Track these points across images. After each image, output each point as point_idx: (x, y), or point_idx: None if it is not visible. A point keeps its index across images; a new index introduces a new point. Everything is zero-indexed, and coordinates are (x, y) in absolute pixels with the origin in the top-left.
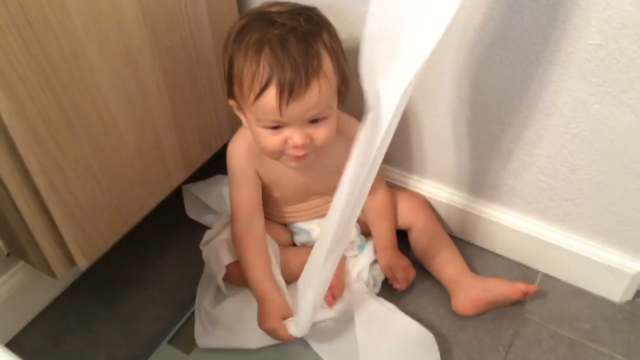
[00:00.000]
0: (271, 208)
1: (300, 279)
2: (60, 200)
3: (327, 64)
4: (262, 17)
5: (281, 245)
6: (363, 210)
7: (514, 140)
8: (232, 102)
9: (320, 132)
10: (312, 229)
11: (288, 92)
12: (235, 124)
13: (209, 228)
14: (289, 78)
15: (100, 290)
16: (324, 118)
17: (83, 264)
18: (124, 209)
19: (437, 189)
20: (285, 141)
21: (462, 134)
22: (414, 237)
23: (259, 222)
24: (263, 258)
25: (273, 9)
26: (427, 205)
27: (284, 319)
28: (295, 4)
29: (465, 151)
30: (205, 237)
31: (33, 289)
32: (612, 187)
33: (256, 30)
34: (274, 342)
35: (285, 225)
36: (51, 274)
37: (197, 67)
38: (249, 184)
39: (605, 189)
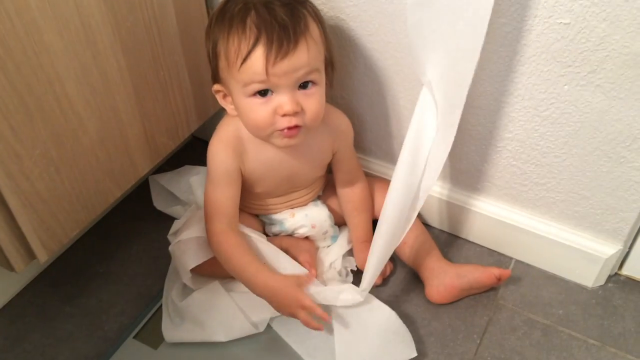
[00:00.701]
0: (248, 202)
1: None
2: (17, 189)
3: (314, 28)
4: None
5: None
6: (339, 201)
7: (485, 124)
8: (217, 87)
9: (311, 102)
10: (284, 218)
11: (276, 49)
12: (204, 113)
13: (177, 219)
14: (276, 35)
15: (64, 285)
16: (314, 85)
17: (43, 256)
18: (86, 198)
19: None
20: (275, 112)
21: None
22: None
23: (236, 220)
24: (249, 251)
25: None
26: None
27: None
28: None
29: None
30: (173, 228)
31: None
32: (582, 170)
33: (240, 2)
34: (243, 334)
35: (257, 215)
36: (9, 267)
37: (161, 51)
38: (231, 184)
39: (576, 172)
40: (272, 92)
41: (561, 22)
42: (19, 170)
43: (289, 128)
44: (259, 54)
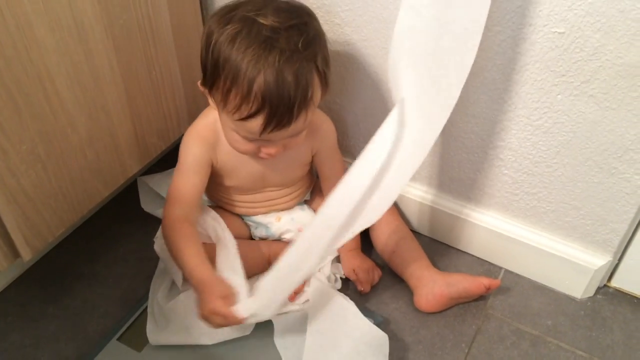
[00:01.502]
0: (223, 196)
1: (283, 261)
2: (2, 184)
3: (317, 91)
4: (258, 27)
5: (239, 238)
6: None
7: (477, 132)
8: (203, 89)
9: (295, 141)
10: (270, 222)
11: (275, 124)
12: (195, 114)
13: None
14: (279, 113)
15: (47, 285)
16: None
17: (27, 254)
18: (73, 197)
19: None
20: (259, 148)
21: None
22: (377, 234)
23: (197, 210)
24: (198, 244)
25: (266, 22)
26: None
27: (226, 300)
28: (290, 11)
29: None
30: (160, 231)
31: None
32: (574, 181)
33: (251, 46)
34: (229, 337)
35: (242, 218)
36: None
37: (154, 51)
38: (199, 172)
39: (567, 182)
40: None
41: (556, 32)
42: (4, 166)
43: (269, 155)
44: (258, 122)
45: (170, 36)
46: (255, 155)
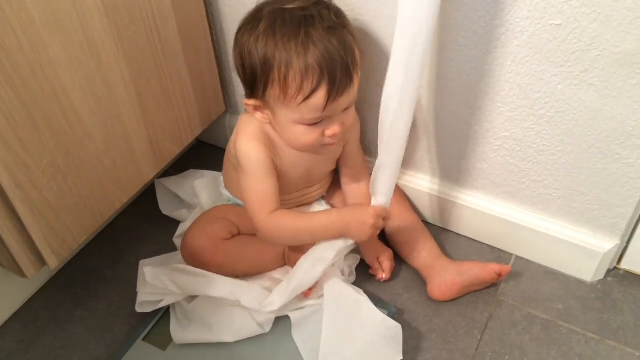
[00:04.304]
0: None
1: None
2: (26, 198)
3: (358, 54)
4: (290, 15)
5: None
6: (345, 198)
7: (482, 124)
8: (252, 103)
9: (349, 117)
10: None
11: (338, 90)
12: (207, 118)
13: (182, 222)
14: (339, 75)
15: (74, 289)
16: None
17: (53, 262)
18: (93, 205)
19: (409, 176)
20: (323, 133)
21: (431, 119)
22: (389, 225)
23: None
24: (302, 213)
25: (294, 5)
26: (402, 192)
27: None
28: None
29: (435, 137)
30: (179, 231)
31: (5, 290)
32: (578, 168)
33: (293, 31)
34: (249, 335)
35: None
36: (21, 273)
37: (164, 60)
38: (269, 174)
39: (572, 169)
40: (322, 119)
41: (553, 23)
42: (28, 180)
43: (332, 142)
44: (322, 94)
45: (179, 44)
46: (319, 145)
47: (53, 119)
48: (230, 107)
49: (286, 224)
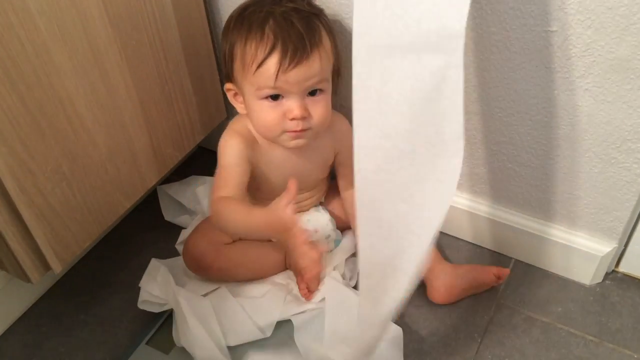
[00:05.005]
0: (257, 202)
1: None
2: (31, 203)
3: (327, 42)
4: (262, 2)
5: (256, 241)
6: (345, 205)
7: (479, 129)
8: (229, 86)
9: (318, 108)
10: None
11: (291, 58)
12: (208, 124)
13: (184, 228)
14: (292, 45)
15: (78, 293)
16: (322, 92)
17: (57, 267)
18: (97, 210)
19: None
20: (284, 115)
21: None
22: None
23: (241, 197)
24: (248, 204)
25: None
26: None
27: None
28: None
29: None
30: (181, 237)
31: (9, 295)
32: (575, 172)
33: (259, 10)
34: (250, 339)
35: None
36: (26, 279)
37: (166, 67)
38: (241, 164)
39: (569, 173)
40: (283, 97)
41: (548, 30)
42: (32, 186)
43: (296, 131)
44: (274, 60)
45: (181, 51)
46: (281, 129)
47: (57, 125)
48: (231, 114)
49: (226, 212)
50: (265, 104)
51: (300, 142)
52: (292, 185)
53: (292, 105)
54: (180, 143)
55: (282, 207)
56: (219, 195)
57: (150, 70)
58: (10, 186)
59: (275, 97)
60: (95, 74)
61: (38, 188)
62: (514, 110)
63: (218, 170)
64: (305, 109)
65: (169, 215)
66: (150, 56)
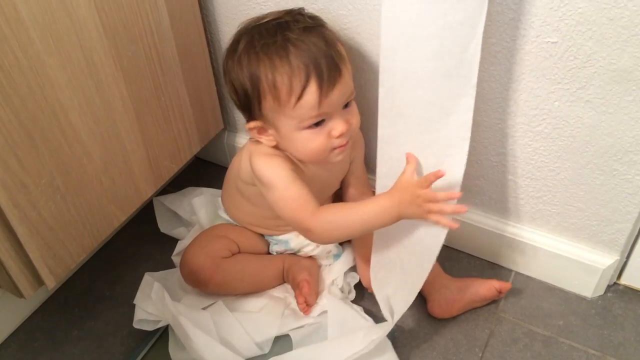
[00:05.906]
0: (258, 221)
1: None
2: (24, 218)
3: (342, 49)
4: (265, 27)
5: (257, 253)
6: None
7: (480, 140)
8: (253, 125)
9: (354, 116)
10: (290, 238)
11: (328, 81)
12: (205, 135)
13: (180, 240)
14: (325, 67)
15: (72, 309)
16: (351, 101)
17: (51, 283)
18: (92, 224)
19: None
20: (329, 135)
21: None
22: None
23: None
24: (349, 204)
25: (268, 19)
26: None
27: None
28: (281, 10)
29: None
30: (177, 249)
31: (2, 310)
32: (576, 184)
33: (271, 40)
34: (248, 356)
35: (263, 236)
36: (19, 294)
37: (162, 79)
38: (298, 178)
39: (570, 185)
40: (324, 120)
41: (549, 41)
42: (26, 200)
43: (342, 145)
44: (313, 89)
45: (177, 63)
46: (329, 150)
47: (52, 138)
48: (228, 125)
49: (334, 219)
50: (308, 133)
51: (346, 153)
52: (411, 156)
53: (335, 124)
54: (177, 155)
55: (410, 174)
56: (309, 210)
57: (147, 82)
58: (3, 200)
59: (319, 123)
60: (90, 85)
61: (31, 202)
62: (513, 121)
63: (282, 195)
64: (347, 121)
65: (164, 227)
66: (146, 68)
